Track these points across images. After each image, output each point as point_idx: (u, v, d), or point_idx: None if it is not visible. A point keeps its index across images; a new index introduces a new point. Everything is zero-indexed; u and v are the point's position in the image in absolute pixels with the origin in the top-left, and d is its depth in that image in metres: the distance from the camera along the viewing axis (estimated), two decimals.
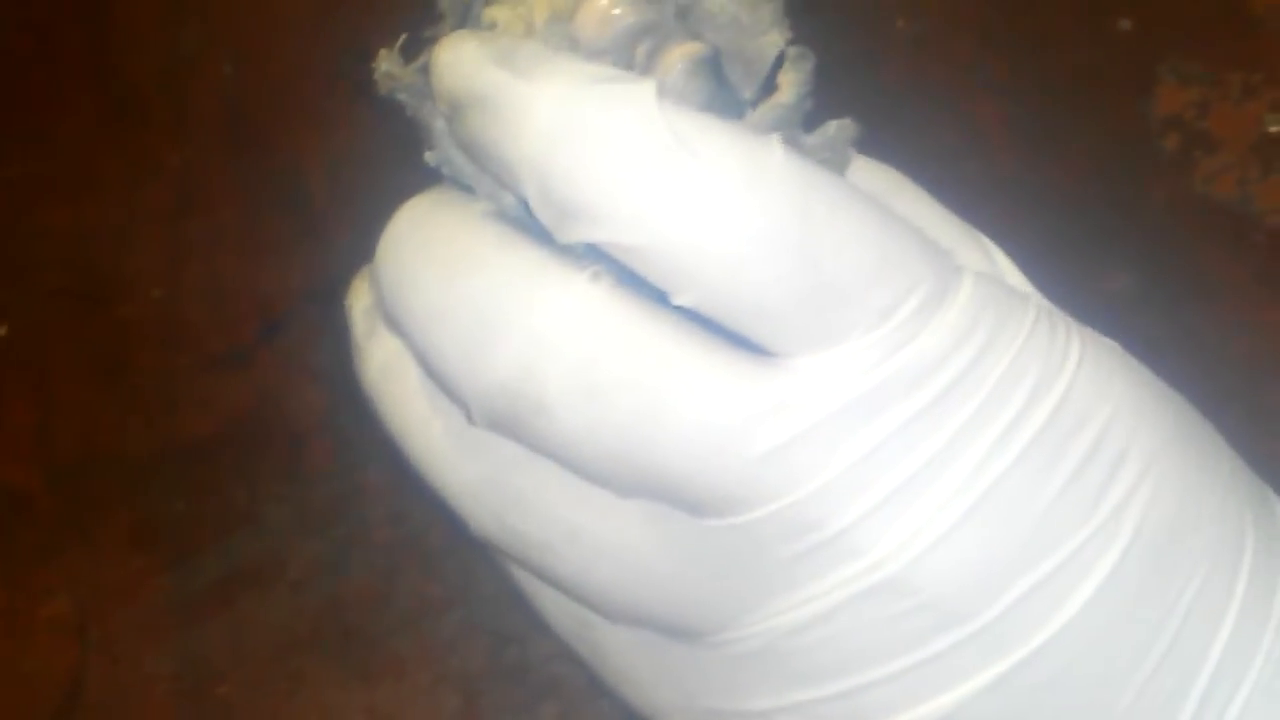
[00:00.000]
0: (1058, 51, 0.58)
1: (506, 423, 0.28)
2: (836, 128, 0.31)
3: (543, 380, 0.27)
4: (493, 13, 0.30)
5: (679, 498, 0.28)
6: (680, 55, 0.29)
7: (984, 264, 0.32)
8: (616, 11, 0.29)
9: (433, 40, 0.30)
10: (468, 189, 0.31)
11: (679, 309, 0.27)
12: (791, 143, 0.29)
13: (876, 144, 0.56)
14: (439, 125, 0.30)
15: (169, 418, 0.55)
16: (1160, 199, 0.54)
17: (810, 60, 0.30)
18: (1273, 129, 0.55)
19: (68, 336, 0.58)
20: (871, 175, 0.33)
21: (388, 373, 0.31)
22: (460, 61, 0.28)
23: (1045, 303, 0.31)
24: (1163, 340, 0.52)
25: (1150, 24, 0.58)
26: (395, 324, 0.30)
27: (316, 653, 0.51)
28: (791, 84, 0.30)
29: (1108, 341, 0.32)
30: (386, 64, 0.31)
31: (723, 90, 0.30)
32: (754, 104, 0.31)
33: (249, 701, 0.51)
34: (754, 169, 0.26)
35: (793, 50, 0.30)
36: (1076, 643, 0.28)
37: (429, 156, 0.31)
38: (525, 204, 0.28)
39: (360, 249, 0.33)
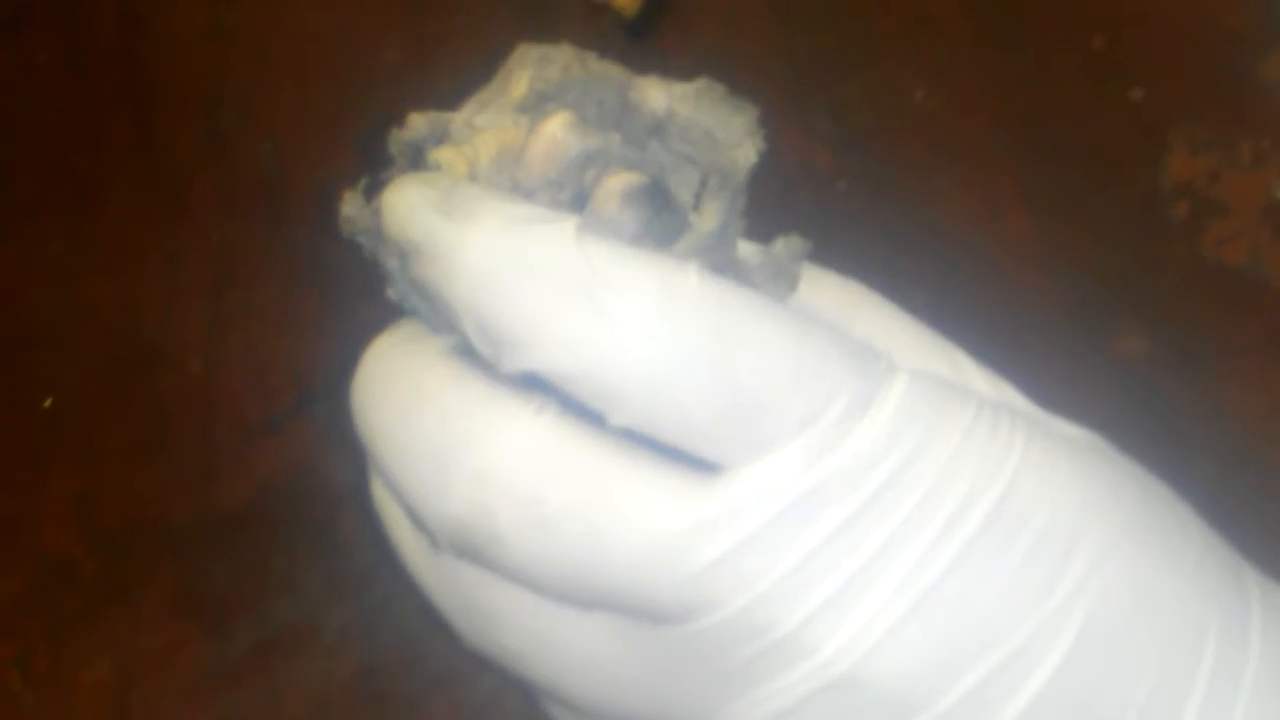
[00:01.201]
0: (1071, 121, 0.59)
1: (467, 551, 0.30)
2: (783, 245, 0.32)
3: (494, 514, 0.29)
4: (438, 155, 0.31)
5: (635, 610, 0.29)
6: (616, 184, 0.30)
7: (946, 369, 0.33)
8: (562, 135, 0.30)
9: (386, 183, 0.31)
10: (429, 323, 0.32)
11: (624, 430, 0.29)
12: (726, 265, 0.31)
13: (893, 210, 0.58)
14: (394, 264, 0.32)
15: (208, 486, 0.57)
16: (1172, 264, 0.55)
17: (728, 189, 0.31)
18: None
19: (110, 407, 0.59)
20: (833, 291, 0.34)
21: (384, 494, 0.34)
22: (401, 207, 0.30)
23: (1017, 401, 0.32)
24: (1176, 403, 0.53)
25: (1161, 93, 0.59)
26: (369, 457, 0.32)
27: (350, 717, 0.52)
28: (713, 212, 0.31)
29: (1080, 434, 0.32)
30: (347, 207, 0.32)
31: (665, 214, 0.31)
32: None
33: None
34: (666, 295, 0.28)
35: (713, 180, 0.31)
36: None
37: (390, 293, 0.32)
38: None
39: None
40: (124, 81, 0.67)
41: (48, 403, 0.60)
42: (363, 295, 0.58)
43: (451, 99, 0.35)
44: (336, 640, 0.53)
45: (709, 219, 0.31)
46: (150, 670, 0.54)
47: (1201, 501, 0.50)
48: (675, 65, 0.64)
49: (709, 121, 0.32)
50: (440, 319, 0.31)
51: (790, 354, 0.29)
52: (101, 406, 0.59)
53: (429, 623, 0.52)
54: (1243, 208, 0.56)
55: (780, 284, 0.32)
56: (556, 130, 0.30)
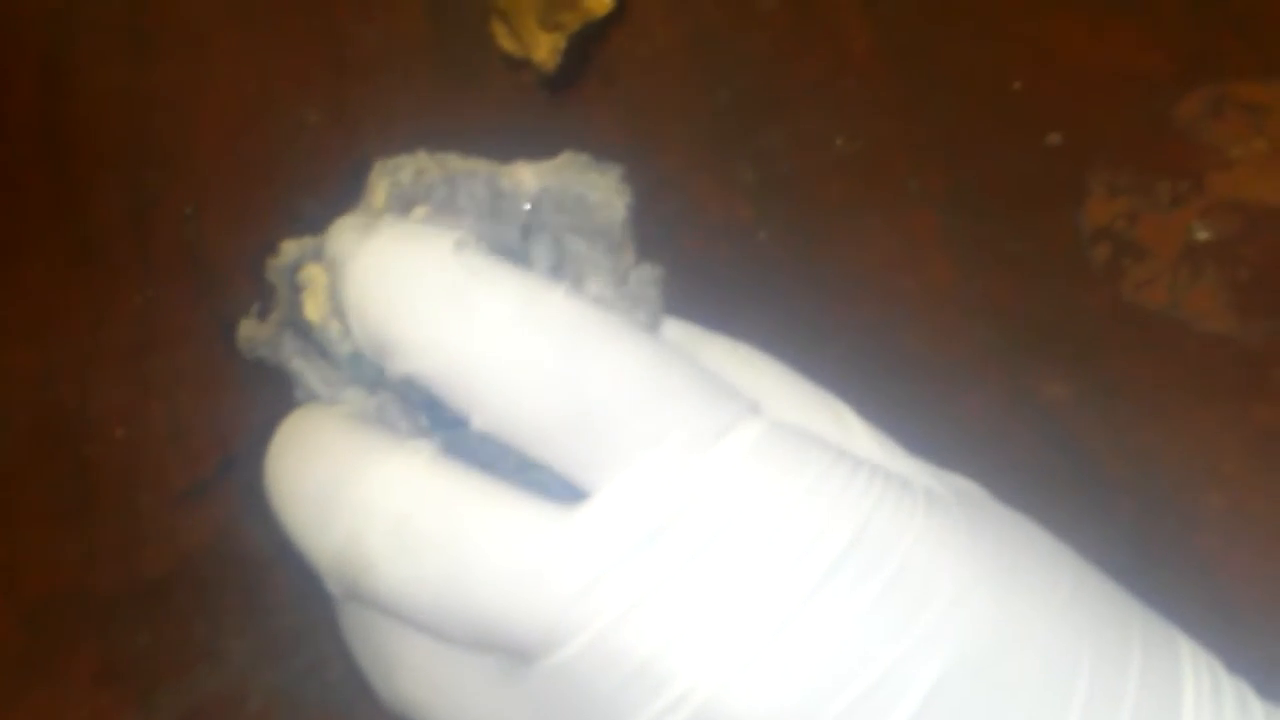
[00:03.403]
0: (991, 166, 0.60)
1: (349, 587, 0.31)
2: (634, 274, 0.34)
3: (367, 542, 0.30)
4: (303, 274, 0.33)
5: (505, 644, 0.30)
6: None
7: (830, 425, 0.33)
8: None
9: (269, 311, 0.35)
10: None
11: (495, 476, 0.30)
12: (585, 293, 0.33)
13: (815, 258, 0.58)
14: (295, 365, 0.34)
15: (132, 554, 0.56)
16: (1092, 308, 0.56)
17: (547, 231, 0.34)
18: (1200, 237, 0.56)
19: (34, 477, 0.59)
20: (720, 352, 0.35)
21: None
22: (332, 230, 0.32)
23: (898, 458, 0.33)
24: (1099, 446, 0.53)
25: (1079, 137, 0.60)
26: (274, 515, 0.33)
27: None
28: (539, 257, 0.34)
29: (964, 484, 0.33)
30: (244, 330, 0.35)
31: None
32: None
33: None
34: (527, 302, 0.30)
35: (541, 235, 0.34)
36: None
37: (297, 394, 0.35)
38: (369, 398, 0.33)
39: None
40: (44, 143, 0.67)
41: None
42: None
43: (375, 159, 0.37)
44: (262, 707, 0.53)
45: (538, 262, 0.34)
46: None
47: (1126, 542, 0.51)
48: (596, 116, 0.65)
49: (578, 189, 0.34)
50: (335, 393, 0.34)
51: (641, 373, 0.30)
52: (25, 477, 0.59)
53: (355, 690, 0.52)
54: (1162, 249, 0.56)
55: (640, 311, 0.34)
56: (414, 220, 0.33)
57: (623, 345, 0.30)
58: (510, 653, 0.30)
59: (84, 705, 0.54)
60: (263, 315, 0.35)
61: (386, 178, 0.34)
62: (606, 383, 0.30)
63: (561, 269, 0.34)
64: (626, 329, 0.31)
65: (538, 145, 0.61)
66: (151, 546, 0.56)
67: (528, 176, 0.34)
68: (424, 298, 0.30)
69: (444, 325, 0.30)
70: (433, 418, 0.32)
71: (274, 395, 0.35)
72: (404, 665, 0.32)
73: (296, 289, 0.34)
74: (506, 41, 0.65)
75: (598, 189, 0.34)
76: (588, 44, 0.65)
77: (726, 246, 0.59)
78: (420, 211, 0.33)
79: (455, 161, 0.34)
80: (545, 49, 0.63)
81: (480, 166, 0.34)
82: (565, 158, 0.35)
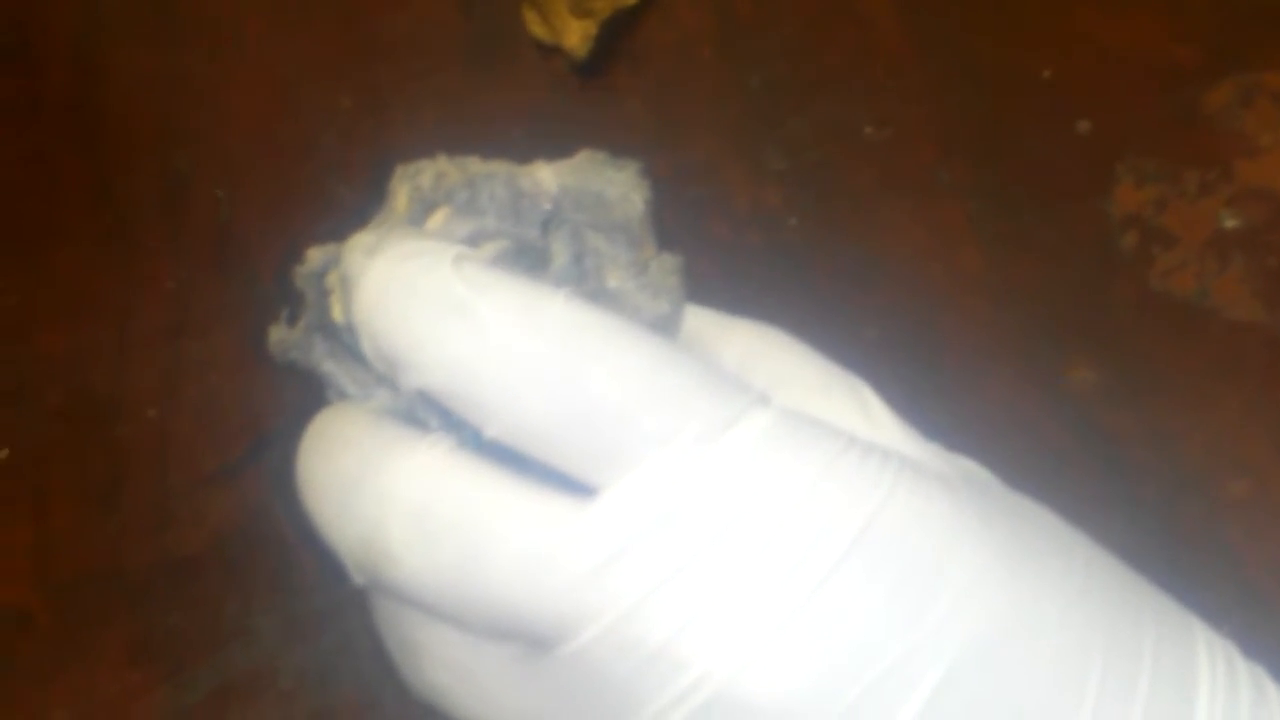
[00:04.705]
0: (1019, 153, 0.60)
1: (371, 576, 0.32)
2: (655, 264, 0.35)
3: (387, 530, 0.31)
4: (330, 279, 0.35)
5: (522, 631, 0.30)
6: (484, 251, 0.34)
7: (854, 410, 0.34)
8: (438, 226, 0.34)
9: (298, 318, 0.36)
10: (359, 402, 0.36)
11: (515, 466, 0.31)
12: (600, 295, 0.34)
13: (843, 245, 0.58)
14: (327, 367, 0.35)
15: (163, 534, 0.57)
16: (1120, 295, 0.56)
17: (566, 225, 0.35)
18: (1228, 225, 0.56)
19: (65, 457, 0.59)
20: (743, 336, 0.36)
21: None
22: (345, 248, 0.33)
23: (915, 443, 0.33)
24: (1124, 434, 0.53)
25: (1108, 125, 0.60)
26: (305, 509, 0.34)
27: None
28: (560, 251, 0.34)
29: (977, 470, 0.33)
30: (275, 334, 0.36)
31: (525, 259, 0.35)
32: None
33: None
34: (529, 311, 0.30)
35: (553, 223, 0.35)
36: None
37: (329, 395, 0.36)
38: (398, 396, 0.33)
39: None
40: (77, 129, 0.68)
41: (4, 454, 0.60)
42: None
43: (408, 145, 0.37)
44: (293, 685, 0.53)
45: (559, 256, 0.34)
46: None
47: (1152, 529, 0.51)
48: (626, 103, 0.65)
49: (596, 186, 0.35)
50: (374, 395, 0.35)
51: (645, 373, 0.30)
52: (57, 458, 0.59)
53: (384, 667, 0.53)
54: (1189, 238, 0.56)
55: (661, 301, 0.35)
56: (433, 224, 0.34)
57: (625, 346, 0.31)
58: (529, 641, 0.31)
59: (115, 683, 0.54)
60: (292, 321, 0.36)
61: (407, 183, 0.35)
62: (610, 384, 0.30)
63: (582, 261, 0.34)
64: (629, 329, 0.31)
65: (568, 131, 0.62)
66: (182, 527, 0.57)
67: (546, 176, 0.35)
68: (426, 316, 0.31)
69: (447, 341, 0.30)
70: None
71: (304, 379, 0.36)
72: (429, 654, 0.33)
73: (324, 293, 0.35)
74: (537, 28, 0.65)
75: (615, 185, 0.35)
76: (618, 31, 0.65)
77: (755, 233, 0.60)
78: (440, 214, 0.34)
79: (475, 164, 0.35)
80: (576, 36, 0.63)
81: (499, 168, 0.35)
82: (583, 156, 0.36)
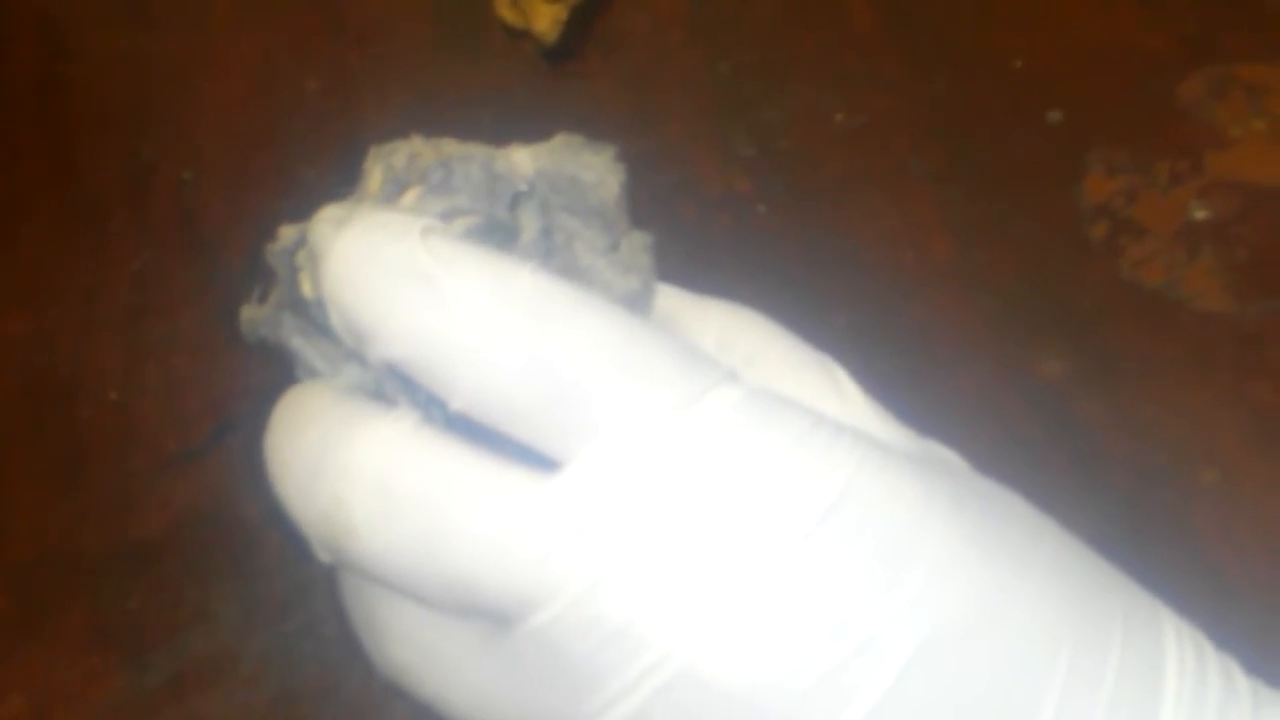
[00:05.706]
0: (990, 143, 0.60)
1: (333, 550, 0.31)
2: (625, 242, 0.35)
3: (350, 504, 0.30)
4: (299, 256, 0.34)
5: (483, 607, 0.30)
6: (456, 226, 0.33)
7: (827, 389, 0.34)
8: (409, 204, 0.34)
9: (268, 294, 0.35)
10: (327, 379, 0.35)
11: (479, 440, 0.30)
12: (571, 270, 0.34)
13: (813, 231, 0.58)
14: (296, 343, 0.35)
15: (123, 517, 0.56)
16: (1091, 285, 0.56)
17: (534, 199, 0.35)
18: (1198, 216, 0.56)
19: (26, 439, 0.58)
20: (717, 316, 0.36)
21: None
22: (312, 221, 0.33)
23: (889, 425, 0.33)
24: (1096, 422, 0.53)
25: (1079, 116, 0.60)
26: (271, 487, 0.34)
27: None
28: (528, 224, 0.34)
29: (948, 455, 0.33)
30: (246, 313, 0.35)
31: (495, 235, 0.34)
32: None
33: None
34: (495, 283, 0.30)
35: (528, 203, 0.35)
36: None
37: (299, 373, 0.35)
38: (366, 372, 0.33)
39: None
40: (42, 108, 0.67)
41: None
42: None
43: (376, 129, 0.37)
44: (254, 669, 0.52)
45: (527, 229, 0.34)
46: (65, 704, 0.53)
47: (1121, 518, 0.51)
48: (596, 87, 0.64)
49: (572, 169, 0.35)
50: (335, 368, 0.34)
51: (612, 346, 0.30)
52: (18, 439, 0.59)
53: (348, 650, 0.52)
54: (1160, 228, 0.56)
55: (631, 277, 0.35)
56: (406, 202, 0.34)
57: (592, 318, 0.30)
58: (492, 618, 0.30)
59: (74, 666, 0.53)
60: (262, 299, 0.35)
61: (381, 162, 0.34)
62: (576, 357, 0.30)
63: (551, 236, 0.34)
64: (597, 302, 0.31)
65: (537, 115, 0.62)
66: (142, 510, 0.56)
67: (523, 159, 0.35)
68: (393, 286, 0.30)
69: (413, 312, 0.30)
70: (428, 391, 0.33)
71: (268, 362, 0.36)
72: (392, 631, 0.32)
73: (295, 270, 0.34)
74: (507, 12, 0.65)
75: (592, 169, 0.35)
76: (589, 15, 0.65)
77: (725, 217, 0.59)
78: (412, 194, 0.34)
79: (450, 145, 0.35)
80: (546, 20, 0.63)
81: (475, 150, 0.35)
82: (559, 139, 0.35)
